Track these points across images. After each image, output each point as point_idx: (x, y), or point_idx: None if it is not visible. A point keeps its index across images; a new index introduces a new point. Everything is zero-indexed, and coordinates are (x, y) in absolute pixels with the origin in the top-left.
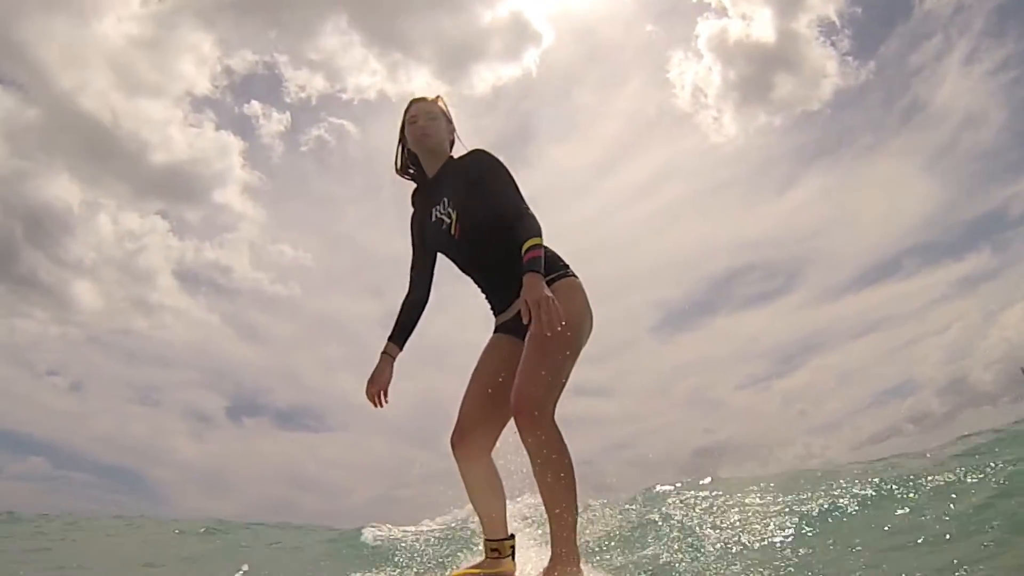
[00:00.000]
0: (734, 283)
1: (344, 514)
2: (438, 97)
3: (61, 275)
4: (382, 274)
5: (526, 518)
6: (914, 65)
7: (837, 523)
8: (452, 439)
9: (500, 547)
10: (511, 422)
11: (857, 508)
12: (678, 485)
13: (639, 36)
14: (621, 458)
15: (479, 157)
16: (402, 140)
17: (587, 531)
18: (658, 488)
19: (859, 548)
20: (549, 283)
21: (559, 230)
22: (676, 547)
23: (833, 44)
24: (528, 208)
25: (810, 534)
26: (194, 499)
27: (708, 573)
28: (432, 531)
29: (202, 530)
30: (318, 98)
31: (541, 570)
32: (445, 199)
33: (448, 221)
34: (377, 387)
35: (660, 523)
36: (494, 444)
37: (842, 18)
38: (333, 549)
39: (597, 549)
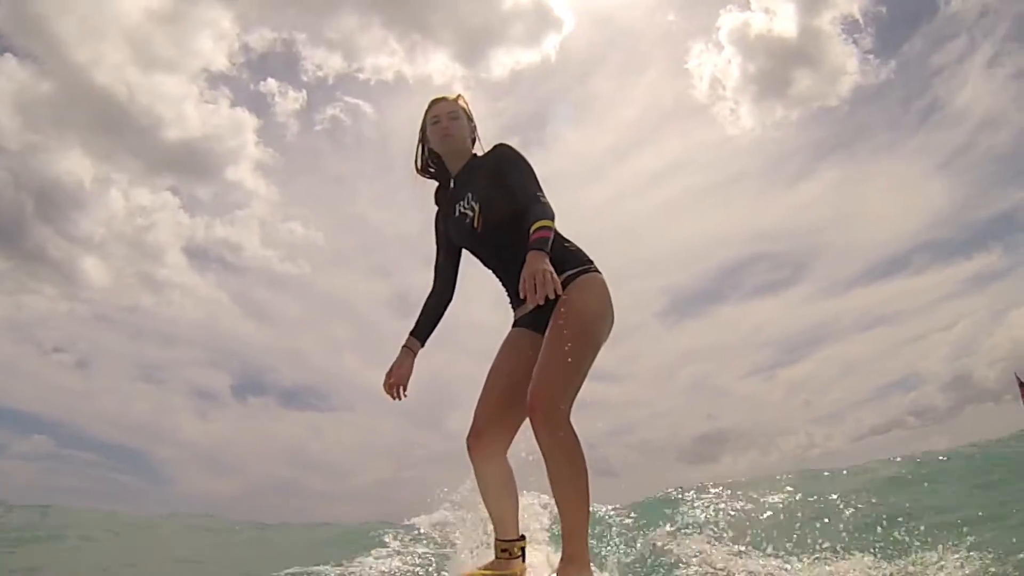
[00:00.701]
0: (743, 272)
1: (348, 496)
2: (459, 96)
3: (70, 251)
4: (392, 255)
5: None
6: (936, 65)
7: None
8: (468, 440)
9: (511, 548)
10: (527, 421)
11: None
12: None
13: (660, 25)
14: (624, 443)
15: (501, 151)
16: (422, 140)
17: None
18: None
19: None
20: (572, 277)
21: (573, 213)
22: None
23: (855, 42)
24: (543, 196)
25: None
26: (197, 478)
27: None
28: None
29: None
30: (335, 77)
31: (552, 570)
32: (469, 194)
33: (471, 215)
34: (395, 380)
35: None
36: (509, 444)
37: (866, 16)
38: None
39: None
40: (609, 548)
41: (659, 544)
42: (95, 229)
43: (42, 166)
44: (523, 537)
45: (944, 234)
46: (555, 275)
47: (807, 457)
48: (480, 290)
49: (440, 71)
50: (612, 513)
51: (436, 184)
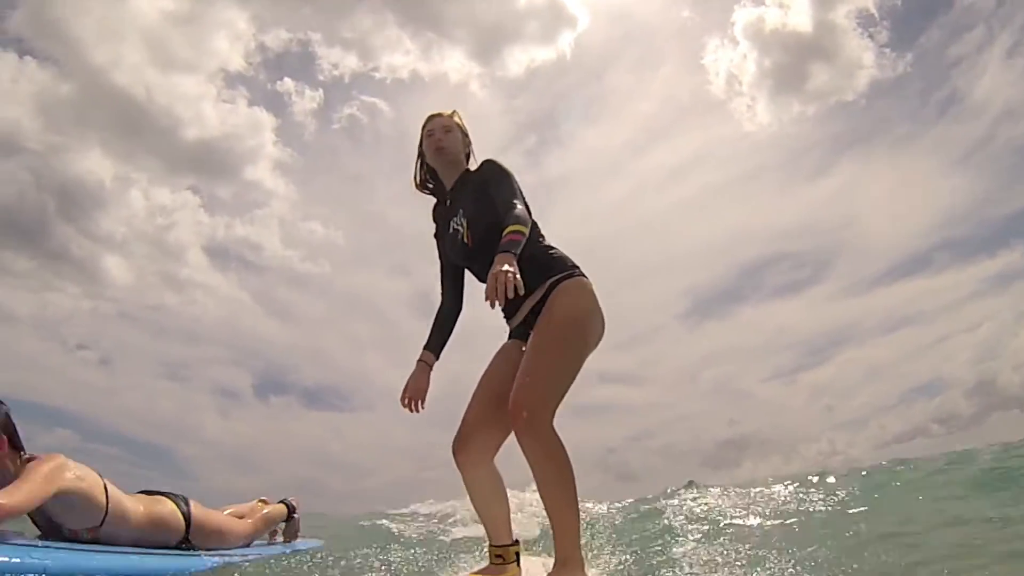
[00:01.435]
0: (763, 272)
1: (368, 496)
2: (454, 112)
3: (93, 250)
4: (411, 252)
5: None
6: (953, 57)
7: None
8: (453, 445)
9: (504, 553)
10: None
11: None
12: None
13: (675, 21)
14: (645, 447)
15: (487, 166)
16: (421, 155)
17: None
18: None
19: None
20: (557, 282)
21: (592, 210)
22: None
23: (871, 36)
24: (519, 203)
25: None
26: (221, 476)
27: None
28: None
29: None
30: (351, 76)
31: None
32: (461, 210)
33: (461, 231)
34: (411, 395)
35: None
36: (496, 450)
37: (881, 10)
38: None
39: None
40: (605, 547)
41: (654, 544)
42: (117, 228)
43: (64, 166)
44: (517, 542)
45: (965, 231)
46: (518, 276)
47: (828, 465)
48: None
49: (456, 69)
50: (614, 511)
51: (435, 201)
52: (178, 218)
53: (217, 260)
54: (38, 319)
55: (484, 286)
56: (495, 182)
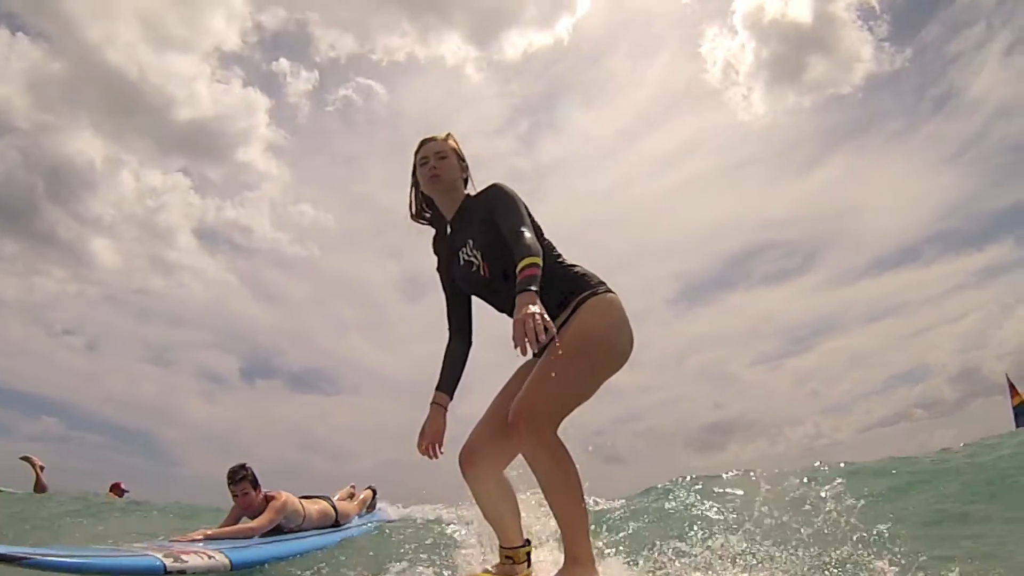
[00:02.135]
0: (753, 260)
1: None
2: (448, 135)
3: (81, 232)
4: (402, 236)
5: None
6: (952, 53)
7: None
8: (460, 456)
9: (515, 555)
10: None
11: None
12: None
13: (674, 9)
14: (631, 430)
15: (492, 192)
16: (415, 183)
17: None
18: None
19: None
20: (583, 300)
21: (584, 196)
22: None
23: (870, 29)
24: (526, 231)
25: None
26: (204, 461)
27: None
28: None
29: None
30: (347, 58)
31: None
32: (470, 240)
33: (476, 263)
34: (429, 440)
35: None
36: (506, 465)
37: (882, 3)
38: None
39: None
40: (612, 545)
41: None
42: (105, 210)
43: (53, 146)
44: (528, 543)
45: (955, 225)
46: (547, 317)
47: (814, 447)
48: None
49: (453, 52)
50: (617, 507)
51: (434, 232)
52: (168, 200)
53: (206, 243)
54: (24, 303)
55: (510, 320)
56: (502, 208)
